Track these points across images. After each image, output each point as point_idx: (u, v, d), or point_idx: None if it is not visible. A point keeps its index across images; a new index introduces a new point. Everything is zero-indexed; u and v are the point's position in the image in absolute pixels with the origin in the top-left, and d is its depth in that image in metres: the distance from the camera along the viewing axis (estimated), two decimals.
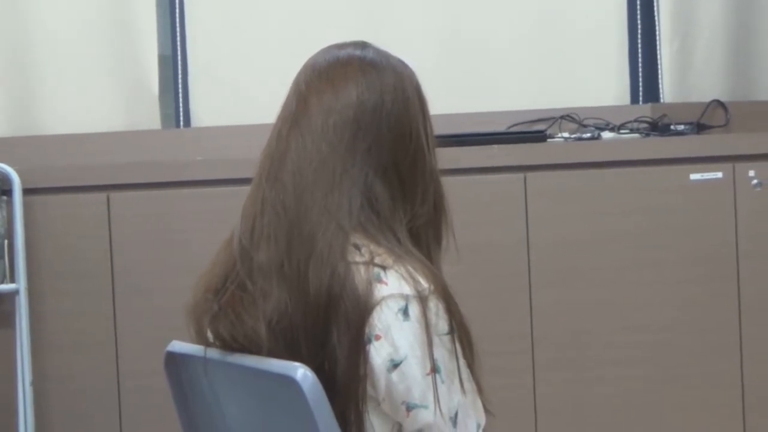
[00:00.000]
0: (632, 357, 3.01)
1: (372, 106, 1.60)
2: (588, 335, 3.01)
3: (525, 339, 3.01)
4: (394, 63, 1.66)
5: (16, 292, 2.98)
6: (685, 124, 3.36)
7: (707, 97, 3.49)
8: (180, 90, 3.52)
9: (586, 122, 3.39)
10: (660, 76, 3.57)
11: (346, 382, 1.50)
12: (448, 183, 1.67)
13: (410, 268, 1.53)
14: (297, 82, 1.65)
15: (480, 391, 1.57)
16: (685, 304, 3.02)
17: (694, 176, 3.02)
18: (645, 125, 3.38)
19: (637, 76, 3.60)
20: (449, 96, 3.35)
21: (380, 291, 1.51)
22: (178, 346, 1.69)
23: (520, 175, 3.02)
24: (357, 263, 1.52)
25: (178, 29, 3.51)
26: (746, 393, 3.01)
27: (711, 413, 3.01)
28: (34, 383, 2.98)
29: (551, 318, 3.01)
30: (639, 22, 3.60)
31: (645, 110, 3.47)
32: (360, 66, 1.63)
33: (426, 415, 1.51)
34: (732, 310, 3.02)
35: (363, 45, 1.68)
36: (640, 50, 3.60)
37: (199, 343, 1.63)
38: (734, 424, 3.01)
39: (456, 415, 1.53)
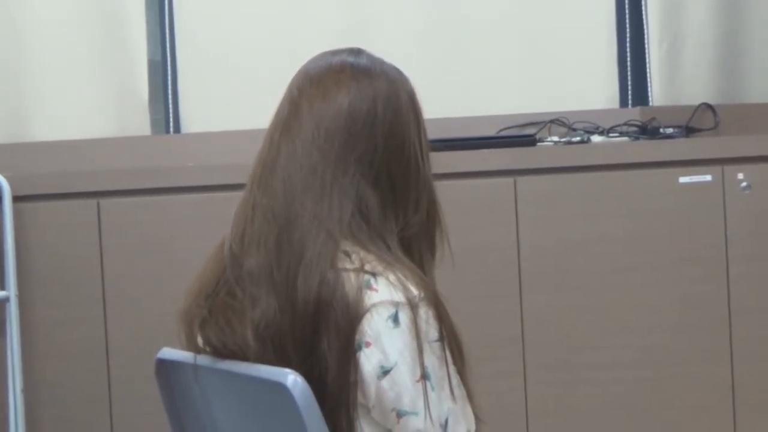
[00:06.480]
0: (623, 359, 3.01)
1: (364, 114, 1.59)
2: (579, 338, 3.01)
3: (516, 342, 3.01)
4: (387, 70, 1.65)
5: (6, 299, 2.97)
6: (674, 127, 3.36)
7: (696, 100, 3.49)
8: (170, 95, 3.52)
9: (575, 126, 3.39)
10: (649, 80, 3.58)
11: (337, 389, 1.50)
12: (438, 187, 1.67)
13: (400, 275, 1.53)
14: (290, 88, 1.65)
15: (470, 397, 1.57)
16: (675, 306, 3.02)
17: (683, 179, 3.03)
18: (634, 129, 3.38)
19: (626, 80, 3.60)
20: (439, 100, 3.34)
21: (370, 298, 1.51)
22: (169, 353, 1.69)
23: (510, 179, 3.02)
24: (347, 270, 1.52)
25: (167, 35, 3.50)
26: (737, 395, 3.02)
27: (702, 415, 3.01)
28: (25, 390, 2.97)
29: (542, 321, 3.01)
30: (627, 26, 3.60)
31: (634, 114, 3.48)
32: (352, 73, 1.62)
33: (416, 422, 1.51)
34: (722, 312, 3.02)
35: (357, 52, 1.67)
36: (628, 54, 3.60)
37: (189, 349, 1.63)
38: (725, 425, 3.01)
39: (446, 422, 1.53)
